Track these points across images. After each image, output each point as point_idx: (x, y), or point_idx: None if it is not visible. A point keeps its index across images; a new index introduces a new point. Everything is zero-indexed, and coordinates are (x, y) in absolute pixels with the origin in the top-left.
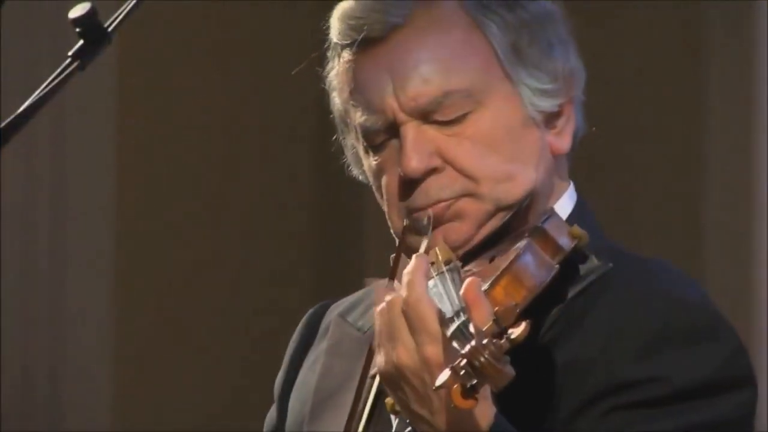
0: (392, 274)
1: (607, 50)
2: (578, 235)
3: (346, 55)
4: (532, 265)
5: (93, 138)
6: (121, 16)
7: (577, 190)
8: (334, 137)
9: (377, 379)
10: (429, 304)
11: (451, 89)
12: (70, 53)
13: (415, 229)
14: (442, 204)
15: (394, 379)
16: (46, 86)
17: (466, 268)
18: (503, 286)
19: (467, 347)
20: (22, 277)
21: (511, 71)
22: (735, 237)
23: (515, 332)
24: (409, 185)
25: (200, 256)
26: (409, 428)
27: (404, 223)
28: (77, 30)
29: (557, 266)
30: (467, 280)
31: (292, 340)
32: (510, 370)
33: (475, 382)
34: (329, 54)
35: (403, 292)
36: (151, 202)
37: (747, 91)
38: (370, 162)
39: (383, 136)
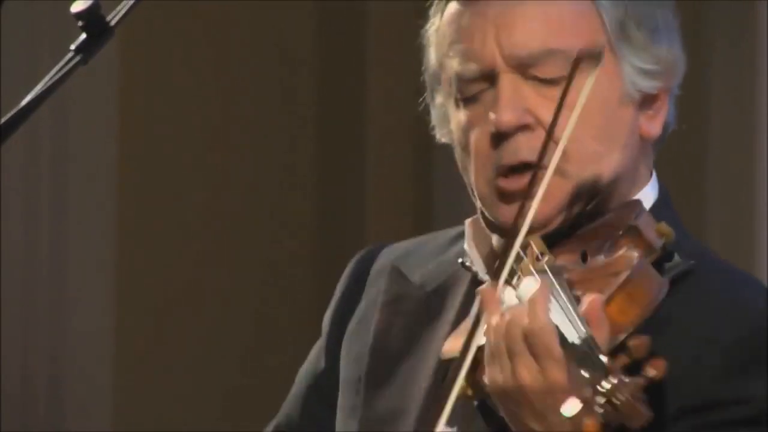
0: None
1: None
2: (665, 232)
3: (452, 7)
4: (646, 284)
5: (95, 133)
6: (124, 10)
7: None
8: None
9: (465, 366)
10: (553, 332)
11: (554, 47)
12: (72, 47)
13: (501, 198)
14: (526, 180)
15: (512, 396)
16: (48, 80)
17: (559, 263)
18: (618, 303)
19: (605, 383)
20: (22, 277)
21: (617, 46)
22: (736, 236)
23: (654, 371)
24: (498, 140)
25: (202, 253)
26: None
27: (490, 192)
28: (80, 24)
29: (668, 283)
30: (591, 300)
31: (339, 287)
32: (647, 410)
33: (611, 417)
34: (431, 10)
35: (526, 319)
36: (152, 199)
37: (748, 91)
38: (459, 117)
39: (478, 87)
